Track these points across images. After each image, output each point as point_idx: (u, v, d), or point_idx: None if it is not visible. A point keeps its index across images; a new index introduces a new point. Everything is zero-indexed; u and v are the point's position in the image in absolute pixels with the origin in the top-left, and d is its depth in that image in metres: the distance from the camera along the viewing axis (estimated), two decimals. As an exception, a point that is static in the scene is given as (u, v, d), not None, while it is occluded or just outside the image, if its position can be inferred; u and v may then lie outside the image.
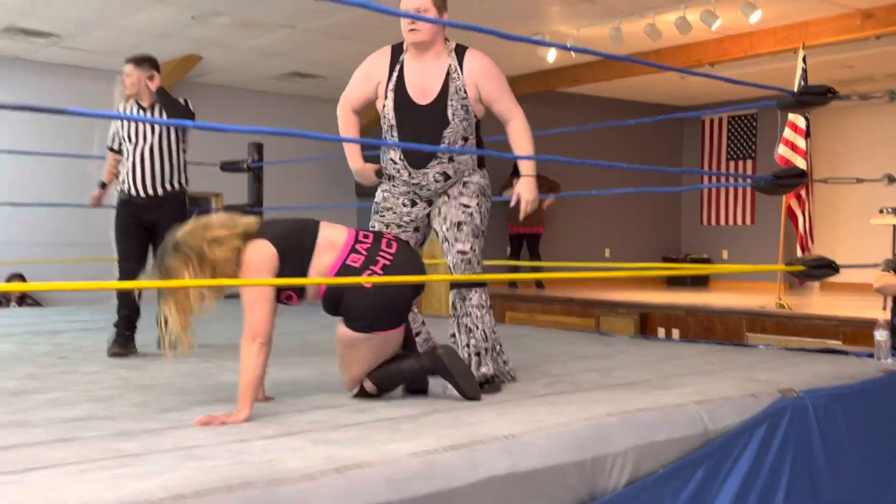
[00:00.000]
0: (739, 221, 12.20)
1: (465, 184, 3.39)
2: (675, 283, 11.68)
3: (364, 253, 2.93)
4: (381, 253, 2.95)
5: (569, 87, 10.39)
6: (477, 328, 3.32)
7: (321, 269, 2.90)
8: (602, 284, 10.46)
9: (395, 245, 3.01)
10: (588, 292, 8.99)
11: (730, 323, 7.21)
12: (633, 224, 12.32)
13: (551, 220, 10.95)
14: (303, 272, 2.89)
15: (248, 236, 2.89)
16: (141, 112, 4.63)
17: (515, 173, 10.54)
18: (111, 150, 4.79)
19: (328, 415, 2.72)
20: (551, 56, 8.76)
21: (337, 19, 7.54)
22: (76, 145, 9.44)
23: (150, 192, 4.61)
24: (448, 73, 3.32)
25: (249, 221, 2.94)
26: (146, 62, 4.62)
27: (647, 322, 7.67)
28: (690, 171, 12.67)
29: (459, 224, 3.33)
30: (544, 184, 10.08)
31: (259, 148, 7.46)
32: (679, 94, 11.42)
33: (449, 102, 3.30)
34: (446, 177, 3.36)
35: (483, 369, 3.23)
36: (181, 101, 4.70)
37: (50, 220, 9.07)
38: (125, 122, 4.63)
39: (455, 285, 3.35)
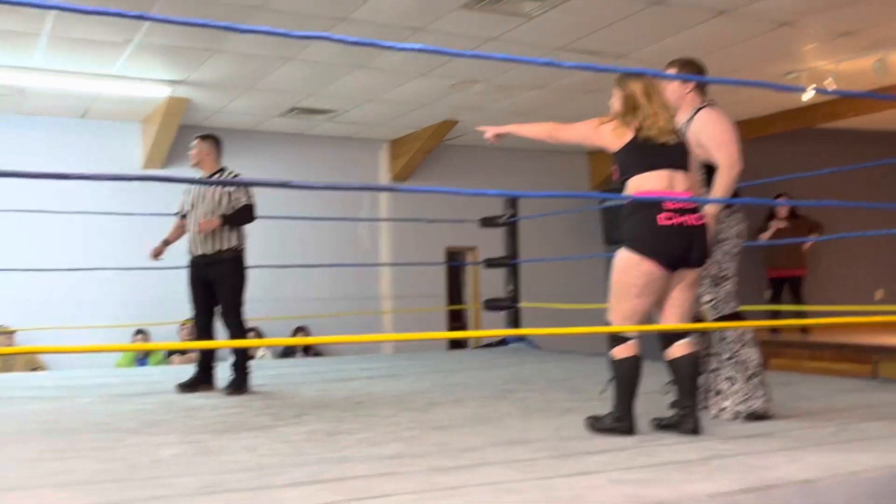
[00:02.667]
0: None
1: None
2: (961, 325, 10.65)
3: (679, 206, 3.32)
4: (689, 216, 3.33)
5: (827, 123, 9.93)
6: (736, 362, 3.73)
7: (644, 187, 3.36)
8: (874, 328, 9.77)
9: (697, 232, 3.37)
10: (859, 337, 8.44)
11: None
12: (907, 263, 11.42)
13: (815, 262, 10.42)
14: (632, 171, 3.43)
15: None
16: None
17: (771, 216, 10.29)
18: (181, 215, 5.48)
19: (616, 456, 2.87)
20: (807, 95, 8.46)
21: (584, 76, 7.82)
22: (348, 210, 10.41)
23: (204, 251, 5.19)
24: (687, 123, 3.85)
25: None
26: (208, 139, 5.37)
27: (932, 369, 7.08)
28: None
29: (702, 277, 3.69)
30: (805, 224, 9.67)
31: (514, 203, 7.83)
32: (954, 120, 10.55)
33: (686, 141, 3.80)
34: None
35: (752, 402, 3.61)
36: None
37: (327, 277, 9.98)
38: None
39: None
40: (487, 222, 7.81)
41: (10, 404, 4.58)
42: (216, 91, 8.20)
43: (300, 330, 9.76)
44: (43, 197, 8.14)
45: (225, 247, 5.18)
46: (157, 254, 5.42)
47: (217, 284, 5.21)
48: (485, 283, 10.87)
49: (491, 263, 7.83)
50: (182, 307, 8.68)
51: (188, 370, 5.89)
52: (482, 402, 4.48)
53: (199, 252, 5.21)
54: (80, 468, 2.85)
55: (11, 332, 8.33)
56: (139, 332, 8.85)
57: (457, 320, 11.45)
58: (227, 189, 5.17)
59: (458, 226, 9.70)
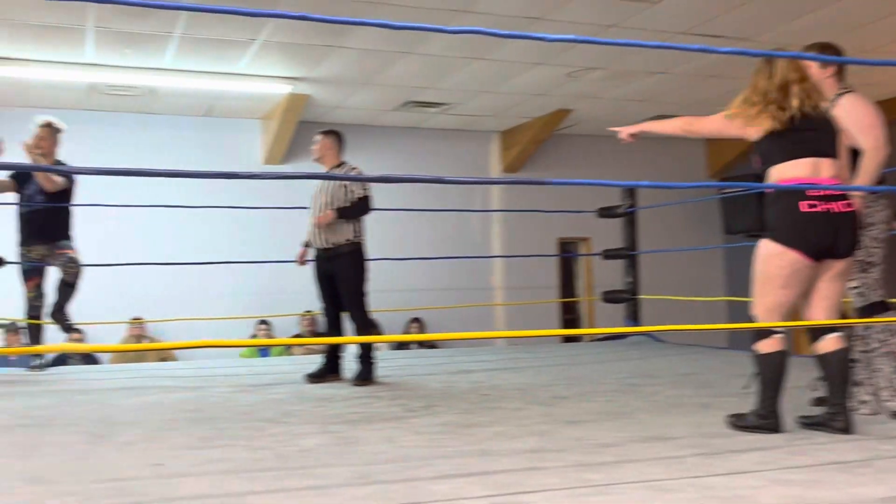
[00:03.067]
0: None
1: None
2: None
3: (825, 192, 3.16)
4: (835, 203, 3.18)
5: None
6: (886, 353, 3.57)
7: (787, 175, 3.22)
8: None
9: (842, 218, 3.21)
10: None
11: None
12: None
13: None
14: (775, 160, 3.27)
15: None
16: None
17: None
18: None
19: (768, 455, 2.77)
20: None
21: (709, 60, 7.60)
22: (460, 201, 10.45)
23: (324, 245, 5.24)
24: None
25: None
26: (331, 135, 5.39)
27: None
28: None
29: None
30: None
31: (632, 193, 7.67)
32: None
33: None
34: None
35: None
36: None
37: (440, 268, 10.04)
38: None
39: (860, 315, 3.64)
40: (605, 212, 7.68)
41: (152, 393, 4.78)
42: (335, 87, 8.35)
43: (415, 321, 9.86)
44: (170, 193, 8.48)
45: (343, 240, 5.23)
46: (302, 258, 5.52)
47: (338, 278, 5.26)
48: (598, 273, 10.75)
49: (609, 255, 7.69)
50: (302, 298, 8.93)
51: (311, 360, 6.03)
52: (610, 397, 4.41)
53: (320, 246, 5.28)
54: (232, 456, 2.94)
55: (144, 323, 8.72)
56: (262, 322, 9.12)
57: (569, 312, 11.34)
58: (343, 182, 5.25)
59: (570, 216, 9.61)
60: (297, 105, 8.70)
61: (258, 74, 7.85)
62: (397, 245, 9.43)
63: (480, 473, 2.62)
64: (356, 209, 5.25)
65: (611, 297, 7.61)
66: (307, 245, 5.47)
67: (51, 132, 5.81)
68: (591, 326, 10.87)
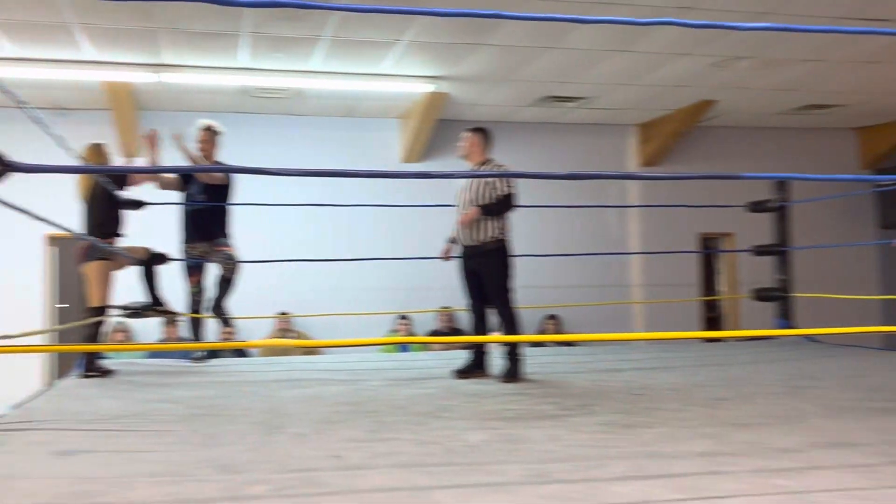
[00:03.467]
0: None
1: None
2: None
3: None
4: None
5: None
6: None
7: None
8: None
9: None
10: None
11: None
12: None
13: None
14: None
15: None
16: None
17: None
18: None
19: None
20: None
21: (869, 46, 7.19)
22: (596, 196, 10.28)
23: (469, 242, 5.20)
24: None
25: None
26: (479, 132, 5.35)
27: None
28: None
29: None
30: None
31: (783, 186, 7.34)
32: None
33: None
34: None
35: None
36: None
37: (577, 264, 9.93)
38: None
39: None
40: (756, 207, 7.38)
41: (309, 386, 4.90)
42: (474, 84, 8.37)
43: (551, 318, 9.78)
44: (315, 192, 8.73)
45: (488, 237, 5.22)
46: (446, 253, 5.52)
47: (484, 274, 5.25)
48: (742, 270, 10.37)
49: (761, 251, 7.39)
50: (441, 294, 9.02)
51: (454, 355, 6.05)
52: (773, 399, 4.24)
53: (466, 243, 5.28)
54: (402, 450, 2.98)
55: (290, 318, 9.01)
56: (402, 317, 9.26)
57: (711, 310, 10.99)
58: (488, 179, 5.22)
59: (711, 210, 9.30)
60: (437, 103, 8.77)
61: (401, 74, 7.96)
62: (533, 241, 9.39)
63: (660, 476, 2.55)
64: (499, 206, 5.22)
65: (763, 294, 7.31)
66: (453, 241, 5.48)
67: (210, 135, 6.08)
68: (736, 325, 10.49)
